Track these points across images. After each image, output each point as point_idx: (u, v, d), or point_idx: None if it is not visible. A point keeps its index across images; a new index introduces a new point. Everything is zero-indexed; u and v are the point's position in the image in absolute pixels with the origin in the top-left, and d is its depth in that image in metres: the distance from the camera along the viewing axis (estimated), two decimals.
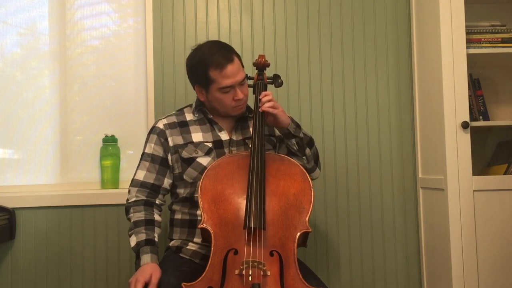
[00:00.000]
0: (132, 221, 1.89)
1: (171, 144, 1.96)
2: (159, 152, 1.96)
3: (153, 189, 1.95)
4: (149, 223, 1.88)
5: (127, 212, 1.93)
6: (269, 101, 1.89)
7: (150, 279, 1.71)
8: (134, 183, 1.96)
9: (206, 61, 1.89)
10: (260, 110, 1.89)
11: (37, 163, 2.60)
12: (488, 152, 2.61)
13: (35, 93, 2.62)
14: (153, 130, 2.00)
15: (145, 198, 1.93)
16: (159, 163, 1.95)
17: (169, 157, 1.96)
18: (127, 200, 1.95)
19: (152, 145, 1.97)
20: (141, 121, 2.62)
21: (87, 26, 2.65)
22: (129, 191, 1.96)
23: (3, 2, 2.61)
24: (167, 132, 1.97)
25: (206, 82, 1.91)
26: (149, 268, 1.75)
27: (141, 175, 1.95)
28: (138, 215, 1.89)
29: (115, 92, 2.65)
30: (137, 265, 1.79)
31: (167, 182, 1.97)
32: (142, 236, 1.84)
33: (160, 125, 1.99)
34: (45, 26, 2.65)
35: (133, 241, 1.85)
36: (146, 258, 1.79)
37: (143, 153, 1.99)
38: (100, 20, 2.66)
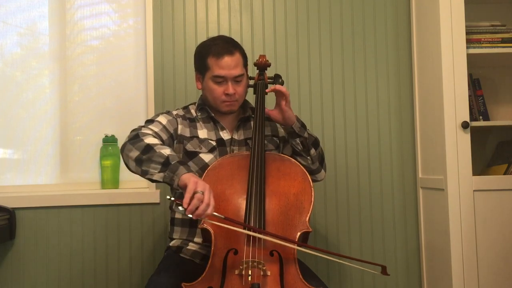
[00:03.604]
0: (156, 143, 1.76)
1: (179, 132, 1.96)
2: (170, 129, 1.94)
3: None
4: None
5: (140, 132, 1.81)
6: (283, 87, 1.90)
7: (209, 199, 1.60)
8: (144, 128, 1.88)
9: (208, 48, 1.94)
10: (271, 87, 1.89)
11: (37, 163, 2.60)
12: (488, 152, 2.61)
13: (35, 93, 2.62)
14: (167, 112, 2.01)
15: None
16: (168, 136, 1.92)
17: (174, 142, 1.96)
18: (136, 129, 1.85)
19: (166, 120, 1.95)
20: (141, 121, 2.59)
21: (87, 26, 2.65)
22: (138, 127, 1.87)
23: (3, 2, 2.62)
24: (178, 120, 1.98)
25: (204, 68, 1.94)
26: (208, 186, 1.62)
27: (155, 129, 1.89)
28: (166, 148, 1.76)
29: (115, 92, 2.65)
30: (182, 166, 1.67)
31: None
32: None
33: (174, 113, 2.01)
34: (45, 26, 2.65)
35: (167, 150, 1.72)
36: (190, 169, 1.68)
37: (153, 120, 1.94)
38: (100, 20, 2.66)
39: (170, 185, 1.69)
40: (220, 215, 1.63)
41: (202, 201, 1.56)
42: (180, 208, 1.56)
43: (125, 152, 1.79)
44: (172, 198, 1.58)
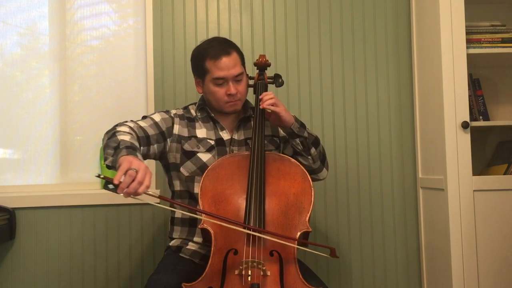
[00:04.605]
0: (121, 130, 1.78)
1: (175, 132, 1.96)
2: (163, 126, 1.94)
3: (144, 140, 1.86)
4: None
5: (120, 123, 1.85)
6: (270, 99, 1.89)
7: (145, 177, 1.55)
8: (130, 121, 1.89)
9: (204, 51, 1.94)
10: (260, 107, 1.89)
11: (37, 163, 2.60)
12: (488, 152, 2.61)
13: (35, 93, 2.62)
14: (166, 111, 2.02)
15: (135, 136, 1.84)
16: (157, 132, 1.92)
17: (168, 141, 1.95)
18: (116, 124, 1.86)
19: (160, 117, 1.96)
20: None
21: (87, 26, 2.65)
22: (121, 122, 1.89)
23: (3, 2, 2.61)
24: (176, 120, 1.98)
25: (202, 72, 1.94)
26: (144, 166, 1.58)
27: (142, 124, 1.90)
28: (127, 135, 1.77)
29: (115, 92, 2.65)
30: (126, 150, 1.65)
31: (153, 150, 1.90)
32: (136, 144, 1.74)
33: (172, 112, 2.01)
34: (45, 26, 2.65)
35: (125, 137, 1.72)
36: (139, 155, 1.66)
37: (147, 116, 1.96)
38: (100, 20, 2.66)
39: (115, 168, 1.65)
40: (154, 194, 1.58)
41: (134, 179, 1.52)
42: (110, 186, 1.51)
43: (102, 141, 1.82)
44: (102, 175, 1.52)
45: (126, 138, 1.73)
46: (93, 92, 2.64)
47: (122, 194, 1.53)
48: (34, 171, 2.60)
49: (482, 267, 2.22)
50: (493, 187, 2.24)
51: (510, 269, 2.23)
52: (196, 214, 1.78)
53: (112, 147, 1.69)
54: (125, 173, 1.52)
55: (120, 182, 1.52)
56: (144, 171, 1.55)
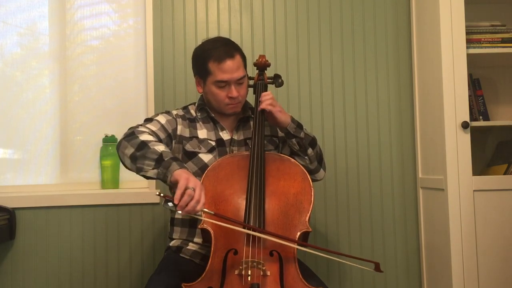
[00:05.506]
0: (150, 140, 1.77)
1: (178, 132, 1.96)
2: (169, 128, 1.93)
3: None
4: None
5: (136, 130, 1.82)
6: (268, 99, 1.90)
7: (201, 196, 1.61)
8: (141, 126, 1.88)
9: (208, 52, 1.92)
10: (259, 109, 1.90)
11: (37, 163, 2.60)
12: (488, 152, 2.61)
13: (35, 93, 2.62)
14: (167, 112, 2.01)
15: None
16: (166, 135, 1.92)
17: (173, 142, 1.95)
18: (133, 127, 1.86)
19: (165, 119, 1.95)
20: (141, 121, 2.61)
21: (87, 26, 2.65)
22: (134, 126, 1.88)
23: (3, 2, 2.62)
24: (178, 120, 1.98)
25: (205, 73, 1.93)
26: (200, 183, 1.63)
27: (152, 128, 1.89)
28: (160, 144, 1.77)
29: (115, 92, 2.65)
30: (175, 163, 1.67)
31: None
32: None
33: (174, 113, 2.01)
34: (45, 26, 2.65)
35: (161, 147, 1.73)
36: (184, 165, 1.70)
37: (152, 119, 1.94)
38: (100, 20, 2.66)
39: (164, 181, 1.69)
40: (210, 211, 1.64)
41: (192, 198, 1.57)
42: (170, 204, 1.57)
43: (120, 149, 1.80)
44: (162, 194, 1.58)
45: (161, 147, 1.74)
46: (93, 92, 2.64)
47: (180, 212, 1.58)
48: (34, 171, 2.60)
49: (482, 267, 2.22)
50: (493, 187, 2.24)
51: (510, 269, 2.23)
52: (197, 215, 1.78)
53: (152, 159, 1.70)
54: (184, 192, 1.57)
55: (179, 200, 1.57)
56: (201, 189, 1.61)
